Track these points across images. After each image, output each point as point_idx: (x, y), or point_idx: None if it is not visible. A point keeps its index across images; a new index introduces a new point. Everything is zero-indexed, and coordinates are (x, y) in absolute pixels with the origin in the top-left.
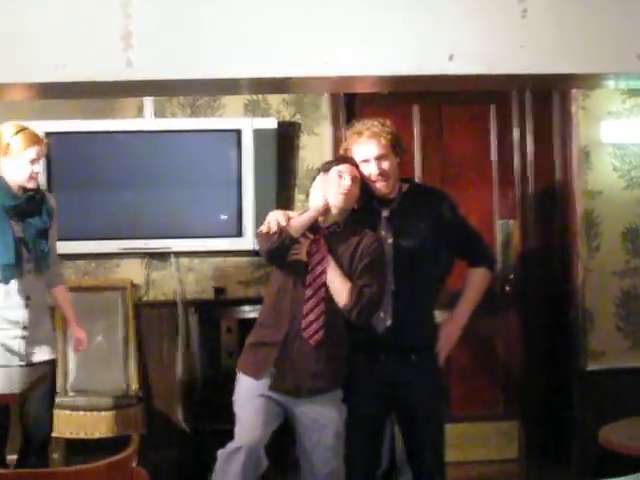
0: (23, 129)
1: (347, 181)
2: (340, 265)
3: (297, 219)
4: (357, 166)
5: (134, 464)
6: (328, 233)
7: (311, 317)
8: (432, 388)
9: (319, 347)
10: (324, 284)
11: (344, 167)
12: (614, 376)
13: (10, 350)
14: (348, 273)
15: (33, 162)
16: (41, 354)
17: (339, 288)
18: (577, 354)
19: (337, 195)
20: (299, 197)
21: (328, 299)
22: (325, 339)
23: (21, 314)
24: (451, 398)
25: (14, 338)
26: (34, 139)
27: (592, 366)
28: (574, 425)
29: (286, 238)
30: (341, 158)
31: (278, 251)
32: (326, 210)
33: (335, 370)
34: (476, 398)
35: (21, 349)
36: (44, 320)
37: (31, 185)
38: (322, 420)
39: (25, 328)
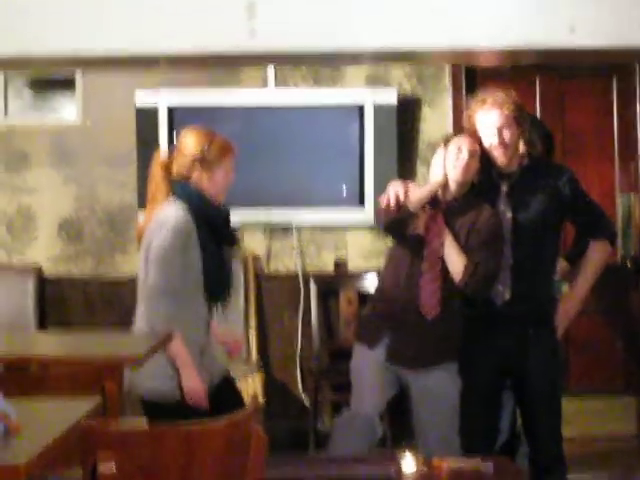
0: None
1: (465, 154)
2: (457, 240)
3: (416, 193)
4: (478, 139)
5: (253, 424)
6: (446, 207)
7: (428, 291)
8: (549, 362)
9: (435, 320)
10: (441, 258)
11: (463, 140)
12: None
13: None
14: (465, 248)
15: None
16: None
17: (455, 263)
18: None
19: (456, 169)
20: (421, 170)
21: (445, 273)
22: (441, 313)
23: None
24: (570, 372)
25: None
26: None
27: None
28: None
29: (404, 212)
30: (461, 131)
31: (396, 225)
32: (445, 184)
33: (450, 344)
34: (596, 373)
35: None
36: None
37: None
38: (437, 391)
39: None
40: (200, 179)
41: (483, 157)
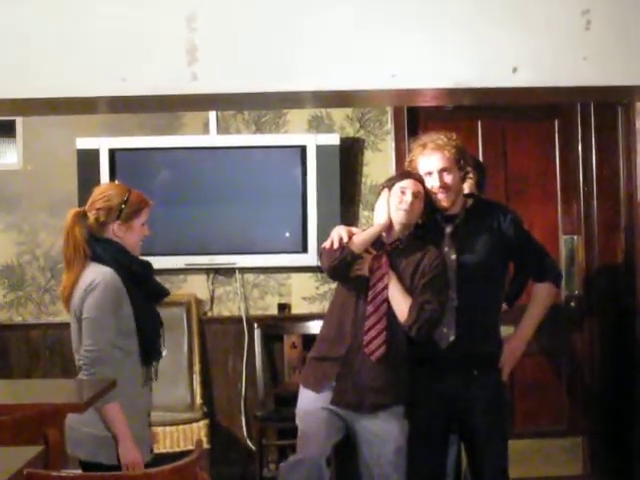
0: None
1: (409, 197)
2: (402, 281)
3: (360, 235)
4: (421, 181)
5: (198, 470)
6: (391, 249)
7: (373, 333)
8: (495, 404)
9: (381, 363)
10: (386, 300)
11: (407, 182)
12: None
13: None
14: (410, 289)
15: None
16: None
17: (400, 304)
18: None
19: (399, 211)
20: (363, 213)
21: (390, 315)
22: (387, 355)
23: None
24: (515, 414)
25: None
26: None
27: None
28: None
29: (348, 254)
30: (404, 174)
31: (340, 267)
32: (389, 226)
33: (397, 386)
34: (541, 414)
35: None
36: None
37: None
38: (383, 435)
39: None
40: (117, 233)
41: (427, 199)
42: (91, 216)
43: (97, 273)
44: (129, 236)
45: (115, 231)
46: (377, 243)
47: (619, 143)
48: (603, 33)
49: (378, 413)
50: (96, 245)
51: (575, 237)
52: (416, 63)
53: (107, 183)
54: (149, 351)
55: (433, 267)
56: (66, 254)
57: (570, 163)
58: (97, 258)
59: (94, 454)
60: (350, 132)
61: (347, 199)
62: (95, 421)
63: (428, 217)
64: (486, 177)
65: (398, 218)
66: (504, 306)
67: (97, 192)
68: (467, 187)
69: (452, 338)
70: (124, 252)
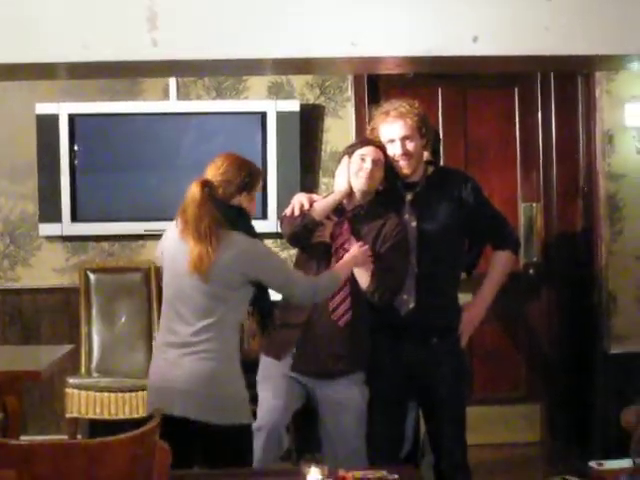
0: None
1: (369, 164)
2: None
3: (320, 202)
4: (382, 148)
5: (156, 438)
6: (352, 216)
7: (337, 299)
8: (453, 370)
9: (344, 329)
10: None
11: (367, 150)
12: (637, 359)
13: None
14: (371, 255)
15: None
16: None
17: (361, 271)
18: (600, 337)
19: (359, 178)
20: (323, 180)
21: (352, 281)
22: (351, 321)
23: None
24: (474, 381)
25: None
26: None
27: (615, 349)
28: (596, 408)
29: (309, 221)
30: (365, 141)
31: (301, 234)
32: (349, 193)
33: (358, 352)
34: (499, 381)
35: None
36: None
37: None
38: (344, 401)
39: None
40: (244, 203)
41: (388, 167)
42: (220, 187)
43: (246, 241)
44: (252, 205)
45: (242, 201)
46: (338, 210)
47: (578, 112)
48: (564, 3)
49: (339, 380)
50: (232, 212)
51: (534, 205)
52: (377, 31)
53: (226, 154)
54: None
55: (394, 234)
56: (198, 227)
57: (530, 131)
58: (234, 226)
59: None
60: (310, 98)
61: (307, 166)
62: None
63: (390, 184)
64: (440, 144)
65: (358, 185)
66: (463, 274)
67: (219, 163)
68: (425, 154)
69: (412, 305)
70: (250, 221)
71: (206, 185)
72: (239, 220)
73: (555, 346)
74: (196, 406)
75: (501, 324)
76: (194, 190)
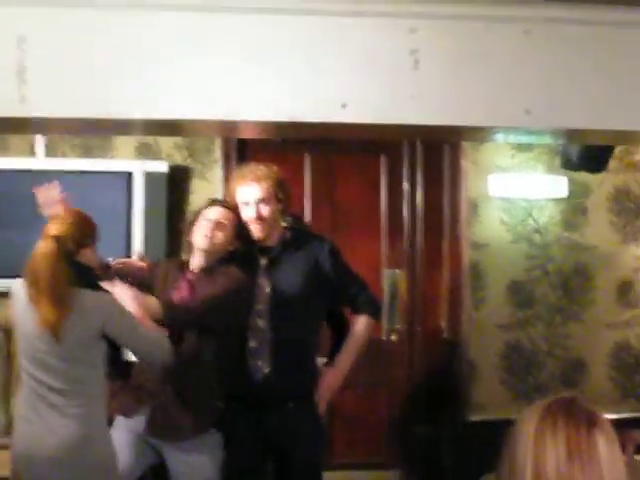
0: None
1: (209, 224)
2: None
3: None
4: (234, 210)
5: None
6: (194, 276)
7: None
8: (311, 436)
9: (180, 397)
10: None
11: (211, 210)
12: (496, 427)
13: None
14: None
15: None
16: None
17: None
18: (460, 405)
19: (199, 238)
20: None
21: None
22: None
23: None
24: (334, 446)
25: None
26: None
27: (475, 417)
28: (455, 474)
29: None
30: (211, 202)
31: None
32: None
33: (206, 416)
34: (360, 446)
35: None
36: None
37: None
38: (193, 464)
39: None
40: (90, 256)
41: (241, 229)
42: (68, 243)
43: (94, 295)
44: (94, 257)
45: (87, 255)
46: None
47: (444, 180)
48: (431, 73)
49: (188, 442)
50: (80, 270)
51: (397, 271)
52: (242, 95)
53: (69, 209)
54: None
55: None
56: (51, 285)
57: (396, 198)
58: (82, 283)
59: None
60: (178, 160)
61: (174, 228)
62: None
63: (245, 248)
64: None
65: (199, 245)
66: (323, 359)
67: (64, 218)
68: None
69: (267, 370)
70: (95, 275)
71: (58, 241)
72: (86, 276)
73: (415, 412)
74: (67, 475)
75: (363, 390)
76: (46, 246)
